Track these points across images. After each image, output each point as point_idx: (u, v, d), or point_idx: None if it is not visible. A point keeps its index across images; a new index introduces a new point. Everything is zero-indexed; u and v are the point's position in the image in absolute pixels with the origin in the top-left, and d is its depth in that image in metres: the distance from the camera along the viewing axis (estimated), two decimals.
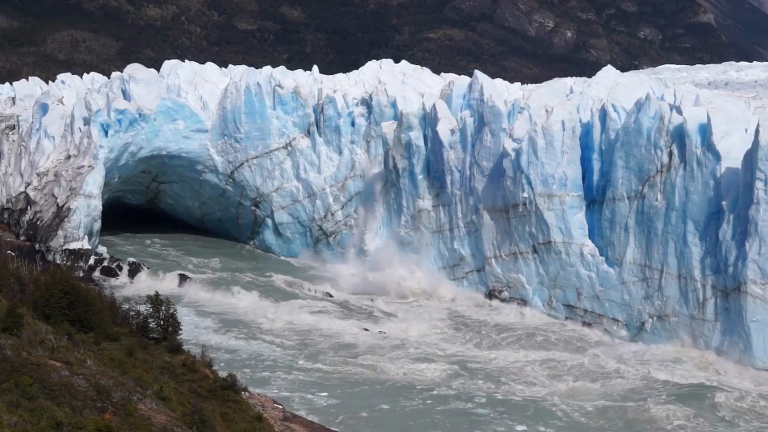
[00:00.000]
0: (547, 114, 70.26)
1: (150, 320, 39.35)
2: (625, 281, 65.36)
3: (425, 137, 79.60)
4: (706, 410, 51.09)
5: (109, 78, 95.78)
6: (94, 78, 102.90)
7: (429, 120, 79.48)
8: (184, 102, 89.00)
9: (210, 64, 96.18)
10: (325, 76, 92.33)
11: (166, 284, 75.25)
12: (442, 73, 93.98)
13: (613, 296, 65.90)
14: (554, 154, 69.60)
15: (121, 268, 78.83)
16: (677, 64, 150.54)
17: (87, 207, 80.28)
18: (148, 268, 79.58)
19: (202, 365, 38.26)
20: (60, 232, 79.45)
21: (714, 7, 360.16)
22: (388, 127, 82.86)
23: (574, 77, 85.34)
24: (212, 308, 70.48)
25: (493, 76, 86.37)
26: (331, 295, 75.99)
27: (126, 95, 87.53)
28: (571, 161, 69.58)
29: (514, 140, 71.22)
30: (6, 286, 37.62)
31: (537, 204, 69.45)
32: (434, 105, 79.30)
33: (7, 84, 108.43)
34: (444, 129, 77.46)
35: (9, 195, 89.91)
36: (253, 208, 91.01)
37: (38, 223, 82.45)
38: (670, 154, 63.60)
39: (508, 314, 69.60)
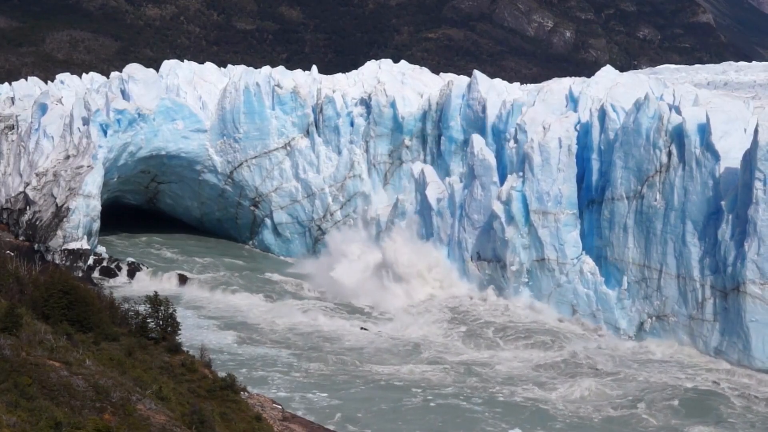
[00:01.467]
0: (544, 131, 70.01)
1: (149, 320, 39.34)
2: (624, 306, 65.27)
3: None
4: (711, 416, 51.01)
5: (108, 78, 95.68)
6: (93, 78, 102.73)
7: (418, 185, 79.63)
8: (183, 102, 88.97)
9: (209, 64, 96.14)
10: (324, 76, 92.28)
11: (165, 284, 75.33)
12: (441, 73, 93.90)
13: (609, 318, 65.97)
14: (550, 171, 69.35)
15: (120, 268, 78.89)
16: (676, 64, 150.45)
17: (86, 207, 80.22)
18: (148, 268, 79.64)
19: (201, 365, 38.27)
20: (59, 232, 79.42)
21: (713, 7, 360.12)
22: (383, 210, 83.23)
23: (573, 77, 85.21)
24: (211, 308, 70.52)
25: (492, 76, 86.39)
26: None
27: (125, 95, 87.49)
28: (566, 179, 69.30)
29: (502, 202, 70.85)
30: (5, 286, 37.61)
31: (530, 268, 69.75)
32: (422, 170, 79.50)
33: (6, 84, 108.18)
34: (432, 193, 77.44)
35: (8, 195, 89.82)
36: (252, 208, 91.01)
37: (37, 223, 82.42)
38: (669, 154, 63.58)
39: (509, 316, 69.45)
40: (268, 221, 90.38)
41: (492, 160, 73.98)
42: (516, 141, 72.47)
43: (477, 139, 75.52)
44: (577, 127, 70.46)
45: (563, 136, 69.50)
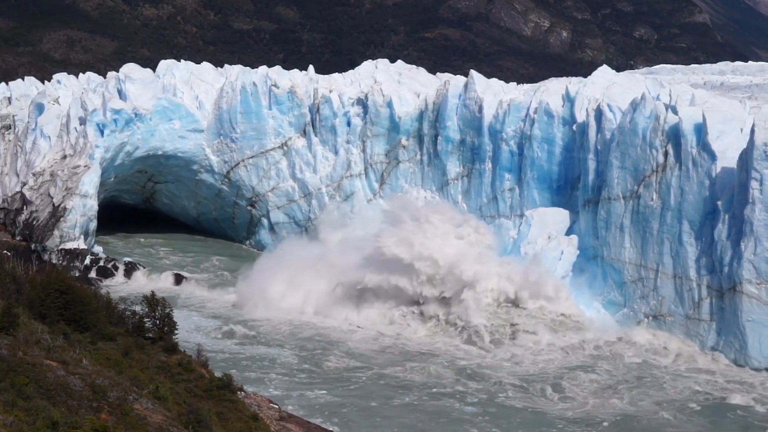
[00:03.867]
0: (549, 240, 69.67)
1: (146, 320, 39.35)
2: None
3: None
4: (708, 416, 51.02)
5: (105, 78, 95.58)
6: (90, 78, 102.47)
7: None
8: (180, 102, 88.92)
9: (206, 64, 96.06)
10: (321, 75, 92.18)
11: (162, 284, 75.35)
12: (437, 73, 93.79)
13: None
14: None
15: (117, 268, 78.87)
16: (673, 63, 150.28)
17: (83, 207, 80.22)
18: (144, 268, 79.62)
19: (198, 365, 38.29)
20: (56, 232, 79.39)
21: (709, 7, 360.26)
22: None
23: (569, 77, 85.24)
24: (208, 308, 70.49)
25: (488, 75, 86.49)
26: None
27: (122, 95, 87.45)
28: None
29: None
30: (2, 286, 37.60)
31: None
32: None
33: (3, 84, 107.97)
34: None
35: (5, 195, 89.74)
36: (249, 207, 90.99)
37: (34, 222, 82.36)
38: (666, 153, 63.65)
39: (508, 318, 69.20)
40: (264, 221, 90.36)
41: None
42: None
43: None
44: (574, 127, 70.11)
45: (566, 251, 68.92)
